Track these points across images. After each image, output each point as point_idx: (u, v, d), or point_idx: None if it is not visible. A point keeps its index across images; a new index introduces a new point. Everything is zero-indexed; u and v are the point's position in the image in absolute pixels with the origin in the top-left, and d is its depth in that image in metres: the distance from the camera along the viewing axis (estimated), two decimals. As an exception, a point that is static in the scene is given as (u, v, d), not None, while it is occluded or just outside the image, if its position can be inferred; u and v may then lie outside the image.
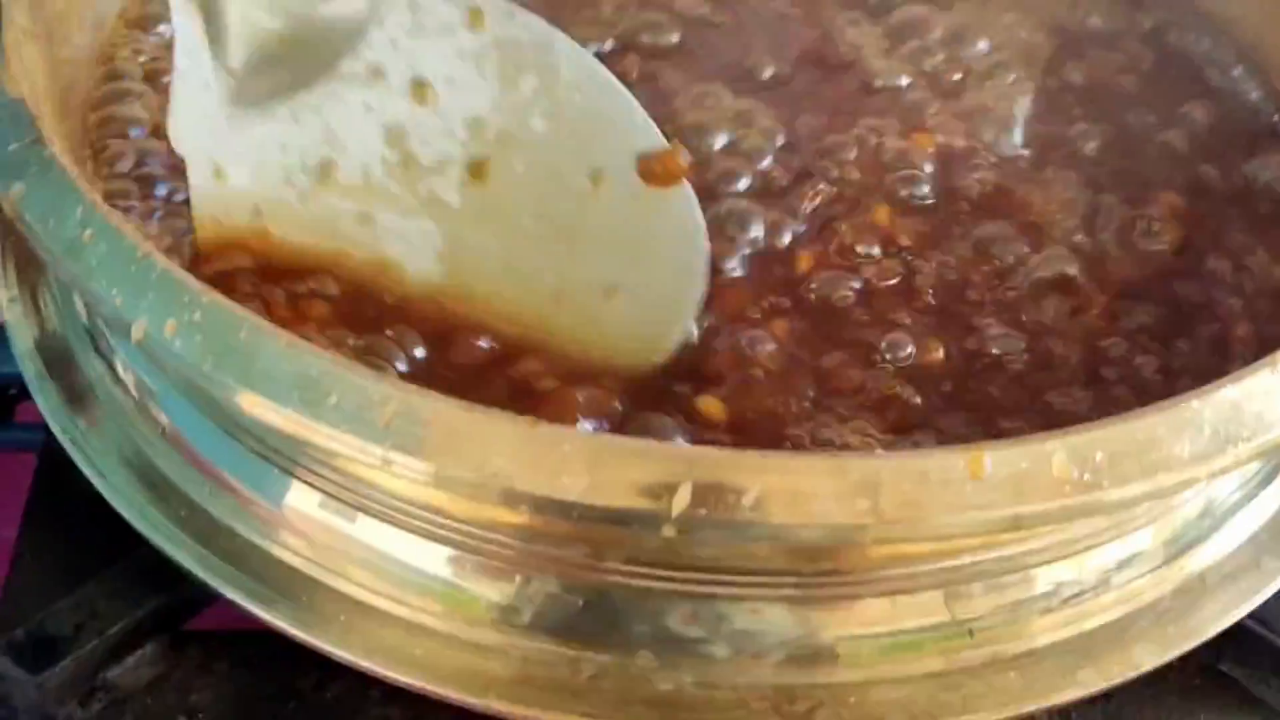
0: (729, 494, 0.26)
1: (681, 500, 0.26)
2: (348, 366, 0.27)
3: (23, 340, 0.36)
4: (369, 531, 0.31)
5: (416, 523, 0.30)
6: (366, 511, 0.30)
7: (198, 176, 0.33)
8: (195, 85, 0.32)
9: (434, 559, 0.30)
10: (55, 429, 0.35)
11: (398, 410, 0.26)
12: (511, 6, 0.32)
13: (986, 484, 0.26)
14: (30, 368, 0.36)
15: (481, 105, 0.32)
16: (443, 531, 0.30)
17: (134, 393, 0.34)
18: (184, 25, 0.32)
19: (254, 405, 0.27)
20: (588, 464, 0.26)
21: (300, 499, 0.31)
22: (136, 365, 0.34)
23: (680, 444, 0.29)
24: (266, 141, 0.32)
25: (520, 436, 0.26)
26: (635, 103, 0.33)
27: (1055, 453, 0.27)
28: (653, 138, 0.33)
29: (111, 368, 0.35)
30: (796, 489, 0.26)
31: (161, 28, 0.40)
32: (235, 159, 0.32)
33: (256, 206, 0.33)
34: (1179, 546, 0.33)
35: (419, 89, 0.32)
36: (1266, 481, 0.35)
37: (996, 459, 0.26)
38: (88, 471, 0.34)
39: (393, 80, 0.32)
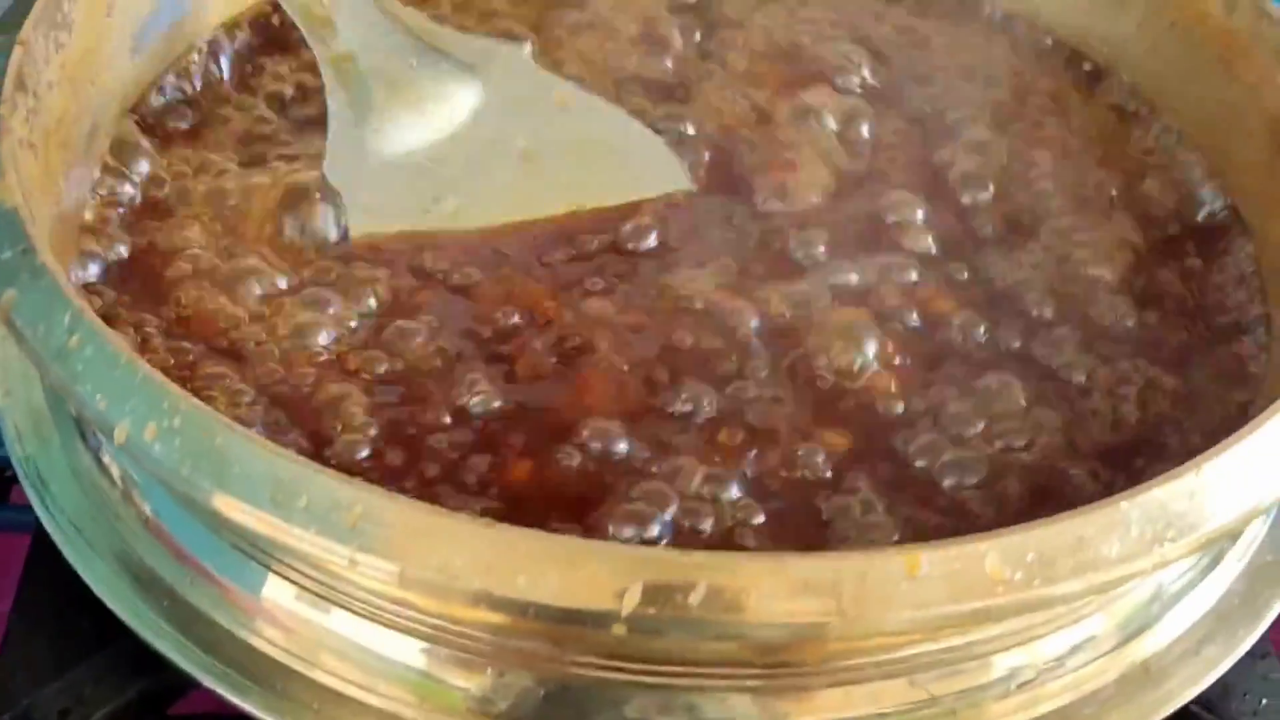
0: (676, 593, 0.27)
1: (631, 600, 0.27)
2: (318, 469, 0.28)
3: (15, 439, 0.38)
4: (343, 623, 0.32)
5: (389, 616, 0.31)
6: (340, 604, 0.32)
7: (349, 203, 0.38)
8: (344, 138, 0.39)
9: (407, 651, 0.32)
10: (43, 517, 0.37)
11: (363, 512, 0.28)
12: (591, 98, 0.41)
13: (922, 583, 0.28)
14: (21, 465, 0.37)
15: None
16: (414, 625, 0.31)
17: (119, 484, 0.36)
18: (333, 90, 0.40)
19: (228, 507, 0.28)
20: (542, 564, 0.27)
21: (276, 591, 0.33)
22: (120, 459, 0.35)
23: (628, 546, 0.30)
24: (400, 178, 0.39)
25: (478, 537, 0.28)
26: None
27: (988, 553, 0.28)
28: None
29: (98, 459, 0.36)
30: (739, 588, 0.27)
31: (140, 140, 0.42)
32: (375, 190, 0.39)
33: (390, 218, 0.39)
34: (1129, 632, 0.35)
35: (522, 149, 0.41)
36: (1209, 569, 0.36)
37: (932, 559, 0.28)
38: (73, 560, 0.35)
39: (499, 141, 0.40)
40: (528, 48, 0.42)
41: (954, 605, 0.28)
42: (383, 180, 0.39)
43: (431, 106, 0.40)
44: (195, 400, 0.30)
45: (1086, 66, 0.47)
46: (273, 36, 0.45)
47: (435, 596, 0.29)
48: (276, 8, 0.45)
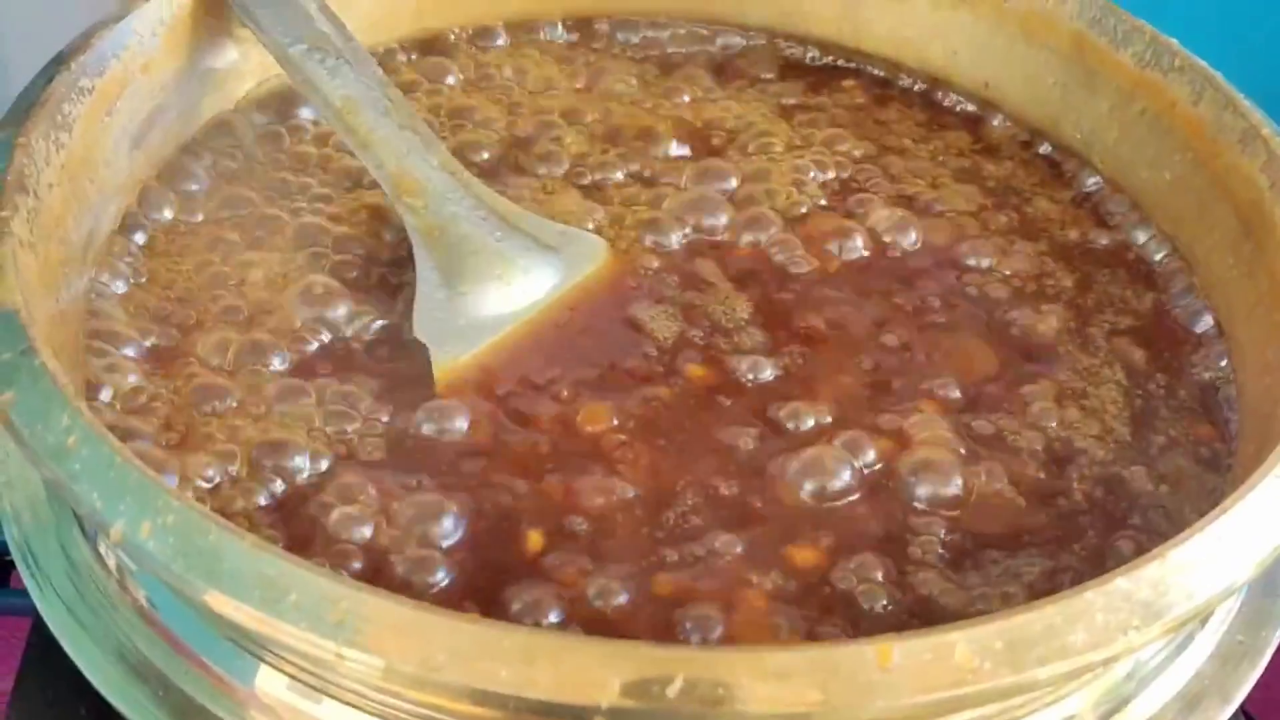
0: (654, 685, 0.28)
1: (610, 693, 0.28)
2: (306, 566, 0.29)
3: (13, 525, 0.39)
4: (335, 713, 0.33)
5: (379, 706, 0.32)
6: (332, 695, 0.33)
7: (435, 355, 0.40)
8: (431, 298, 0.41)
9: (396, 739, 0.33)
10: (39, 604, 0.37)
11: (349, 608, 0.29)
12: None
13: (894, 674, 0.28)
14: (19, 550, 0.38)
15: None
16: (404, 715, 0.32)
17: (115, 573, 0.37)
18: (421, 255, 0.42)
19: (219, 603, 0.29)
20: (523, 659, 0.28)
21: (269, 682, 0.33)
22: (117, 550, 0.36)
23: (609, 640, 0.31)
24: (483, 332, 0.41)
25: (461, 632, 0.28)
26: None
27: (958, 643, 0.29)
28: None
29: (94, 548, 0.37)
30: (717, 680, 0.28)
31: (138, 236, 0.43)
32: (460, 344, 0.41)
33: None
34: (1107, 709, 0.35)
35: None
36: (1182, 648, 0.37)
37: (904, 650, 0.29)
38: (69, 648, 0.36)
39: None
40: (602, 241, 0.44)
41: (924, 695, 0.29)
42: (468, 336, 0.41)
43: (515, 277, 0.42)
44: (189, 499, 0.31)
45: (1047, 150, 0.49)
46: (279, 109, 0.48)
47: (420, 689, 0.29)
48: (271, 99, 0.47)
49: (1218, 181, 0.43)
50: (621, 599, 0.35)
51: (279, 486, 0.37)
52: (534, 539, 0.36)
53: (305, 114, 0.48)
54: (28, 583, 0.38)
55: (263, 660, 0.33)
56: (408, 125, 0.43)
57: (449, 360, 0.40)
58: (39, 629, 0.41)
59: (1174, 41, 0.45)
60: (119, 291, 0.42)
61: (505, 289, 0.42)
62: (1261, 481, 0.33)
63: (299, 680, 0.33)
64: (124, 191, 0.43)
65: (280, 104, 0.48)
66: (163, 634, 0.35)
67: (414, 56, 0.51)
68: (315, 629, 0.29)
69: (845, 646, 0.29)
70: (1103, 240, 0.46)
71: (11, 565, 0.46)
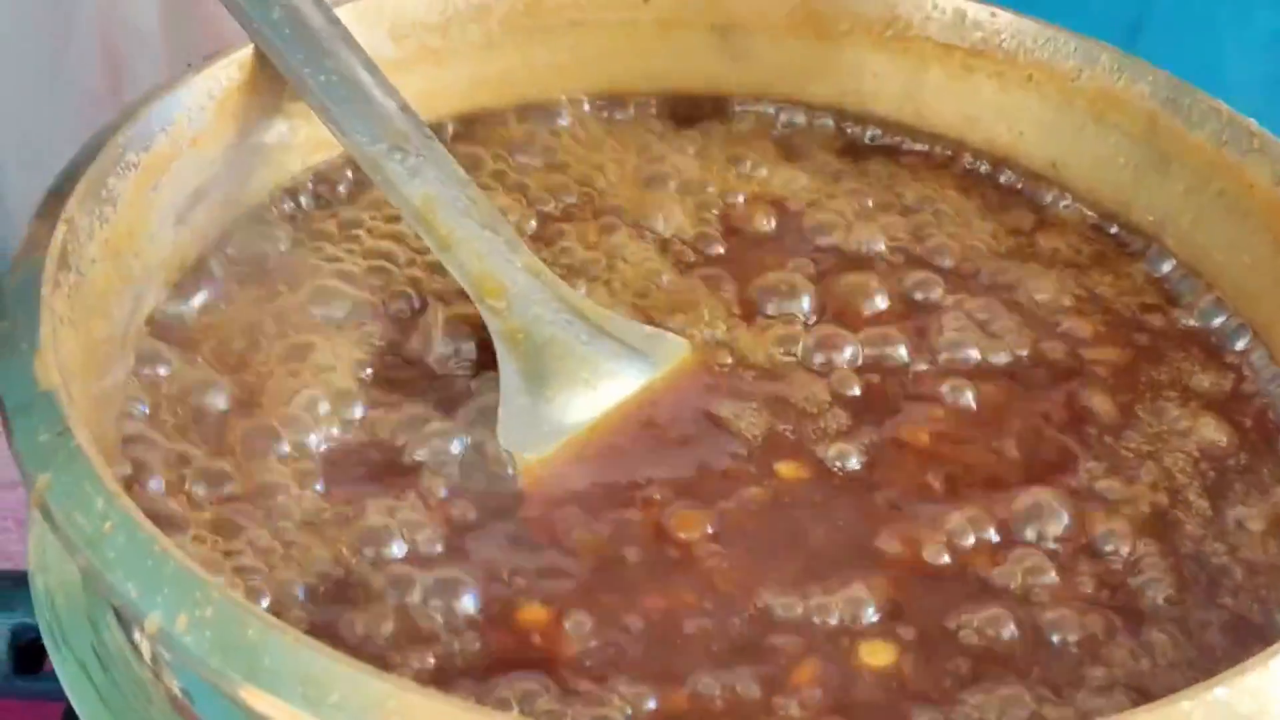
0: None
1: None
2: (350, 664, 0.28)
3: (46, 609, 0.37)
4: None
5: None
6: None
7: (521, 458, 0.39)
8: (517, 405, 0.40)
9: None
10: (70, 694, 0.36)
11: (396, 708, 0.27)
12: None
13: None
14: (50, 635, 0.37)
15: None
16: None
17: (149, 663, 0.35)
18: (505, 359, 0.40)
19: (258, 700, 0.28)
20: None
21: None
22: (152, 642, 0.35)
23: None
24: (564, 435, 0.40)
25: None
26: None
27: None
28: None
29: (129, 638, 0.36)
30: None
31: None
32: (542, 446, 0.40)
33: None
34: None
35: None
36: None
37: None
38: (100, 741, 0.35)
39: None
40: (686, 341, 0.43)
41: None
42: (552, 440, 0.40)
43: (602, 382, 0.41)
44: (229, 591, 0.29)
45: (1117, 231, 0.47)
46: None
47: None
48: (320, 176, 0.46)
49: (1297, 265, 0.42)
50: None
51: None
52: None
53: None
54: (58, 669, 0.37)
55: (301, 760, 0.32)
56: (489, 225, 0.42)
57: (534, 460, 0.39)
58: (70, 717, 0.39)
59: (1252, 121, 0.44)
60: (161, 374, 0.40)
61: (592, 394, 0.41)
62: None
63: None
64: (167, 268, 0.42)
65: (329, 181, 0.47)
66: (197, 726, 0.34)
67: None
68: (358, 730, 0.27)
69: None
70: (1185, 320, 0.44)
71: (43, 650, 0.45)
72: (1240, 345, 0.43)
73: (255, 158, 0.45)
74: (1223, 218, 0.44)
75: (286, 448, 0.39)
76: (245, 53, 0.44)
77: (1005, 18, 0.48)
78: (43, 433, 0.32)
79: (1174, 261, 0.46)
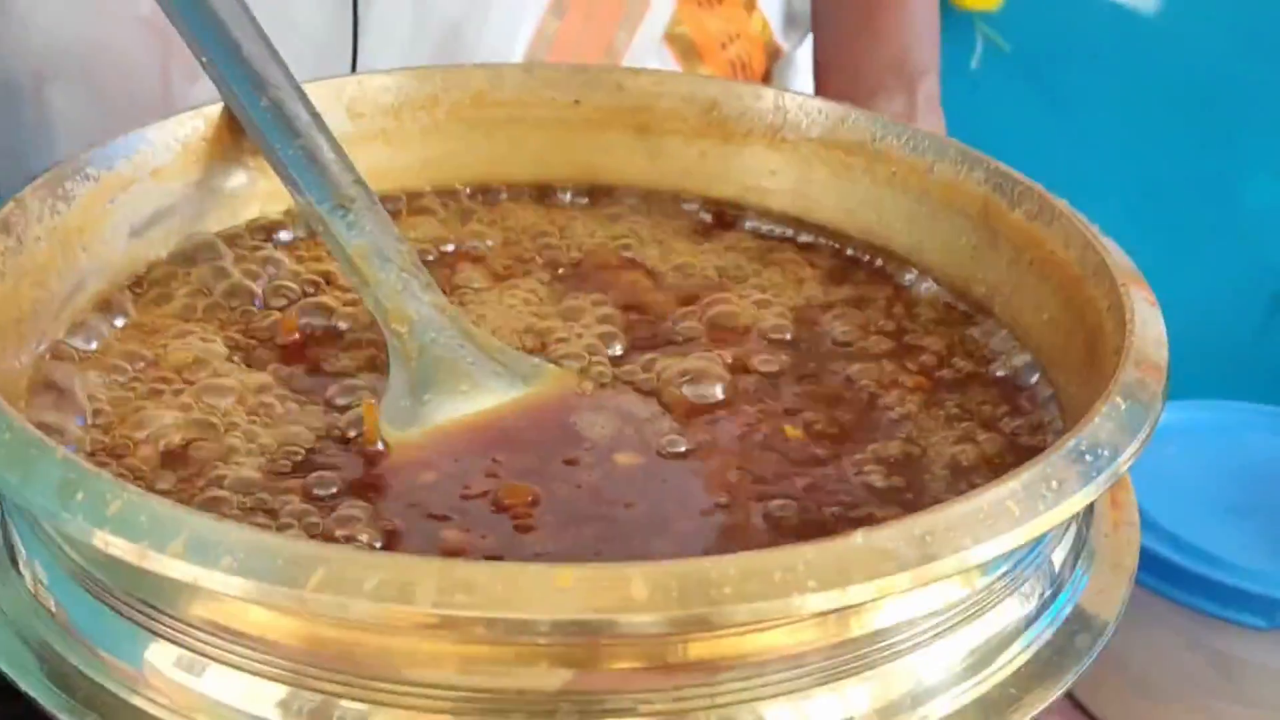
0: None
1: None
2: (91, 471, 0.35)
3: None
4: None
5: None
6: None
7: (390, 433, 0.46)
8: (397, 404, 0.46)
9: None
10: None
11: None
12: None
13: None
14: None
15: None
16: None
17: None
18: (396, 367, 0.47)
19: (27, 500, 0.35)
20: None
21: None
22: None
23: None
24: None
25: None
26: None
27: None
28: None
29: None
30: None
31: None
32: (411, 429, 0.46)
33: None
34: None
35: None
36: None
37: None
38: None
39: None
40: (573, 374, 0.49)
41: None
42: (421, 426, 0.47)
43: (477, 393, 0.48)
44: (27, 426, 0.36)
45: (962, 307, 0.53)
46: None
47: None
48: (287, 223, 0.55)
49: (1078, 315, 0.46)
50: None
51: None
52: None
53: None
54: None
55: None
56: (407, 269, 0.49)
57: (400, 435, 0.46)
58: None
59: (1062, 201, 0.49)
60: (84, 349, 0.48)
61: (467, 401, 0.47)
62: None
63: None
64: (114, 269, 0.51)
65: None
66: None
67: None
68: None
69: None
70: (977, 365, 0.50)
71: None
72: (1032, 381, 0.48)
73: (214, 199, 0.54)
74: (1033, 284, 0.49)
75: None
76: (215, 109, 0.53)
77: (878, 120, 0.55)
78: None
79: (994, 322, 0.51)
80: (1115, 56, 1.50)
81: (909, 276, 0.54)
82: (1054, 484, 0.36)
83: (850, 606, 0.34)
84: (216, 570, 0.33)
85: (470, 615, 0.32)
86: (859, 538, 0.33)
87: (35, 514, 0.35)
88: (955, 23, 1.70)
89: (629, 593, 0.32)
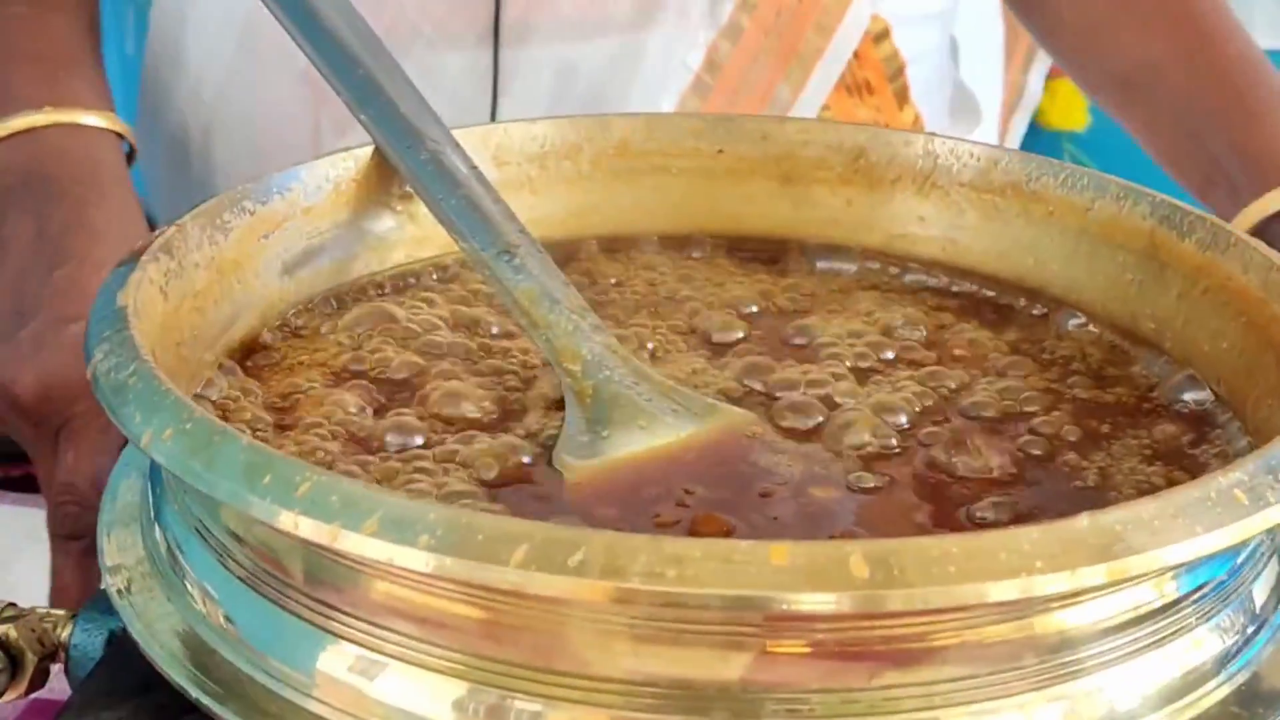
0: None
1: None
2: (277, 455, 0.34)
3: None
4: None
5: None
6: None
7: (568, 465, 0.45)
8: (574, 441, 0.45)
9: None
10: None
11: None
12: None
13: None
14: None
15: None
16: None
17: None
18: (571, 405, 0.46)
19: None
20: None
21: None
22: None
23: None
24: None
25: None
26: None
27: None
28: None
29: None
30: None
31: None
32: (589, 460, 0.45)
33: None
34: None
35: None
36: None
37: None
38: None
39: None
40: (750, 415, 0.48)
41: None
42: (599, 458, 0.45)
43: (658, 429, 0.46)
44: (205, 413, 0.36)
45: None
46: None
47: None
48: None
49: (1264, 336, 0.45)
50: None
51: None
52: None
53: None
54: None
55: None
56: (576, 311, 0.48)
57: (580, 465, 0.44)
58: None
59: (1229, 226, 0.48)
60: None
61: (646, 436, 0.45)
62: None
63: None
64: (267, 304, 0.50)
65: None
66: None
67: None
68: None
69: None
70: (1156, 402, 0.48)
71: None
72: (1215, 410, 0.47)
73: (363, 242, 0.54)
74: (1207, 313, 0.48)
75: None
76: (365, 151, 0.53)
77: (1032, 159, 0.54)
78: (107, 329, 0.40)
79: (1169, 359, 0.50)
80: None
81: (1071, 320, 0.53)
82: (1280, 476, 0.34)
83: (1067, 596, 0.33)
84: (414, 548, 0.31)
85: (680, 591, 0.30)
86: (1084, 520, 0.32)
87: (220, 500, 0.34)
88: (1042, 142, 1.71)
89: (849, 569, 0.30)
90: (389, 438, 0.45)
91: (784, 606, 0.30)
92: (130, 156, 0.68)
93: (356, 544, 0.32)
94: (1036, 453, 0.45)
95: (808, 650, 0.33)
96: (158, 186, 0.84)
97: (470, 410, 0.47)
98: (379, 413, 0.47)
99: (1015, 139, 1.54)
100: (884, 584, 0.30)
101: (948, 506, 0.43)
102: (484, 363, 0.50)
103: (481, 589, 0.33)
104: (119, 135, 0.67)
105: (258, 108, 0.75)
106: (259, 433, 0.44)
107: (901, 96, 0.83)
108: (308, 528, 0.32)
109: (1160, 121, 0.73)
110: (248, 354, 0.49)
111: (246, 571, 0.37)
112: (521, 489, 0.43)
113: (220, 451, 0.34)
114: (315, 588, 0.36)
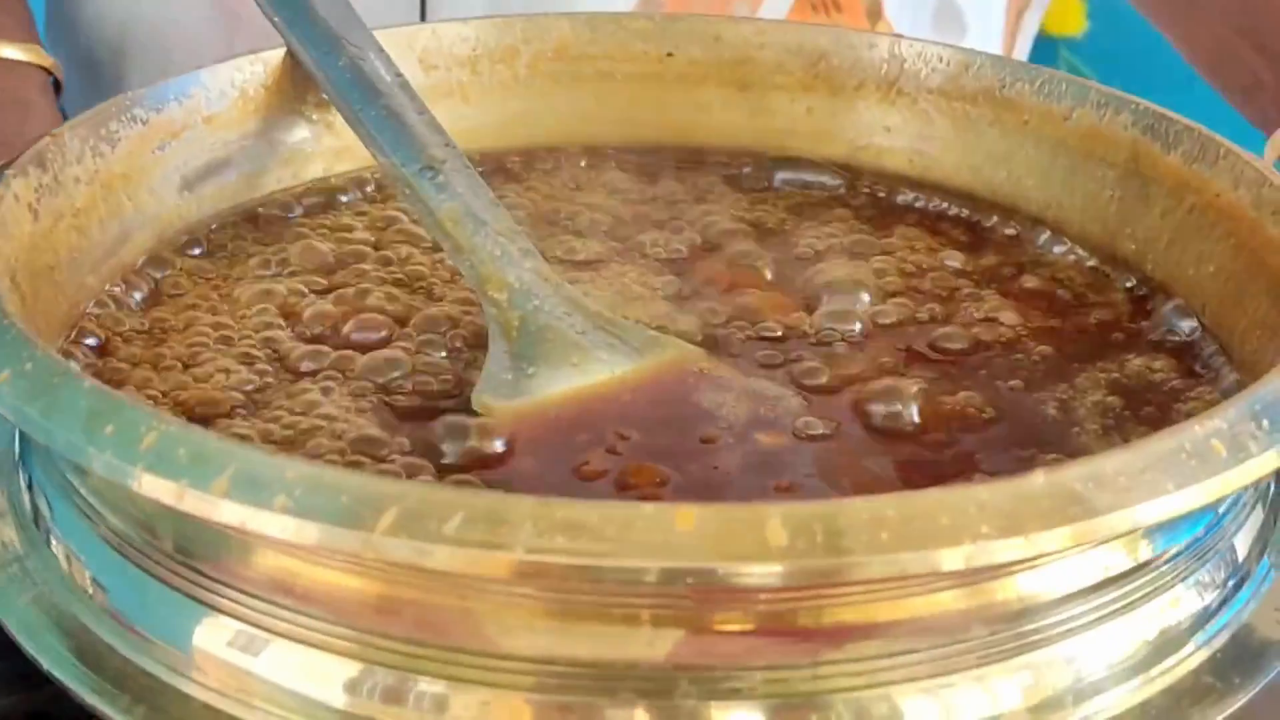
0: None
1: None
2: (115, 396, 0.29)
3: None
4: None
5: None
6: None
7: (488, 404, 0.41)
8: (497, 378, 0.41)
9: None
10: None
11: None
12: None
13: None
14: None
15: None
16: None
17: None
18: (495, 339, 0.42)
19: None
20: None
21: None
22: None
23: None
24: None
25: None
26: None
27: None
28: None
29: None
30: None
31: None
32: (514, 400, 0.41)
33: None
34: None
35: None
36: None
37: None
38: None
39: None
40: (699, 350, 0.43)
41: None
42: (524, 399, 0.41)
43: (591, 366, 0.42)
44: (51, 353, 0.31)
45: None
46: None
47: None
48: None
49: (1255, 260, 0.40)
50: None
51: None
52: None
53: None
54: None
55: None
56: (504, 233, 0.44)
57: (500, 405, 0.40)
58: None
59: (1223, 138, 0.43)
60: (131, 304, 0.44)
61: (578, 374, 0.41)
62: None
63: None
64: (163, 223, 0.46)
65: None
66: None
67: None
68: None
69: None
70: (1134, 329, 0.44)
71: None
72: (1200, 340, 0.43)
73: (274, 155, 0.49)
74: (1193, 233, 0.43)
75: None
76: (277, 54, 0.48)
77: (1006, 64, 0.49)
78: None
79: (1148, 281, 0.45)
80: (1197, 86, 1.45)
81: (1047, 240, 0.48)
82: (1264, 423, 0.30)
83: (1023, 561, 0.29)
84: (269, 510, 0.27)
85: (571, 563, 0.26)
86: (1039, 477, 0.28)
87: (61, 452, 0.30)
88: (1039, 48, 1.66)
89: (765, 537, 0.26)
90: (301, 365, 0.41)
91: (689, 580, 0.26)
92: (58, 89, 0.64)
93: (204, 504, 0.28)
94: (1007, 387, 0.41)
95: (735, 627, 0.29)
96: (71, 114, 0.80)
97: (383, 339, 0.43)
98: (284, 344, 0.42)
99: (1027, 41, 1.49)
100: (804, 553, 0.26)
101: (906, 449, 0.39)
102: (404, 287, 0.46)
103: (359, 557, 0.29)
104: (45, 70, 0.63)
105: (169, 32, 0.70)
106: (139, 369, 0.40)
107: (874, 14, 0.77)
108: (151, 484, 0.28)
109: (1201, 30, 0.69)
110: (141, 277, 0.45)
111: (114, 534, 0.33)
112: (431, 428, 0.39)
113: (60, 396, 0.30)
114: (185, 555, 0.32)
